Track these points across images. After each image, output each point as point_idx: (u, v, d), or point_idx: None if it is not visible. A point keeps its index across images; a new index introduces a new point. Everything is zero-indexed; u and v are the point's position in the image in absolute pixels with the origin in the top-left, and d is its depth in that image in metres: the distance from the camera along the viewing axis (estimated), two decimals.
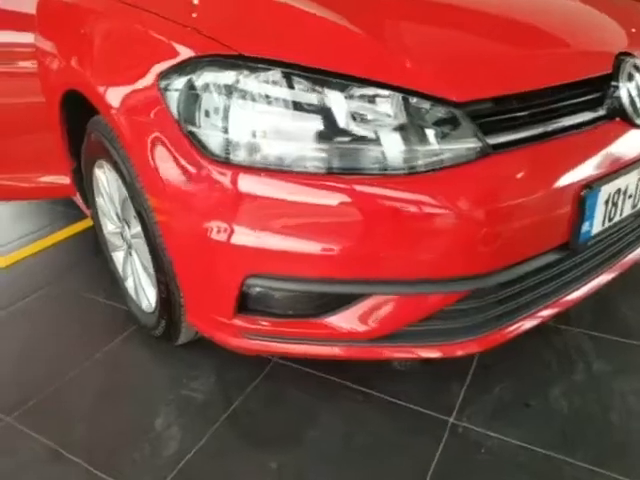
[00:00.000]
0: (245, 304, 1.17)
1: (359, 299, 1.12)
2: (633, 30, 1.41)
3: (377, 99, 1.03)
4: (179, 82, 1.10)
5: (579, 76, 1.18)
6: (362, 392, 1.42)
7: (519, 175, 1.08)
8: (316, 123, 1.02)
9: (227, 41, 1.09)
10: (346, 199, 1.03)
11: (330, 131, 1.02)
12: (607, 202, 1.21)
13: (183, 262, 1.23)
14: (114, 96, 1.24)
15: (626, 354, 1.51)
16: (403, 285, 1.10)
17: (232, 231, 1.08)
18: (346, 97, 1.03)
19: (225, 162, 1.06)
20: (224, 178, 1.06)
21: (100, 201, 1.66)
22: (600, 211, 1.20)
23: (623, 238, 1.40)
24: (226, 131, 1.05)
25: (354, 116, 1.03)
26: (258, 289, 1.14)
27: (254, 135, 1.04)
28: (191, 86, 1.08)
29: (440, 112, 1.04)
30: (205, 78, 1.07)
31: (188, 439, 1.31)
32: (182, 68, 1.10)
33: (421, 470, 1.20)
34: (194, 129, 1.08)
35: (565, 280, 1.28)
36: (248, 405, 1.40)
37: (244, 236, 1.08)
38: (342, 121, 1.02)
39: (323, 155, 1.02)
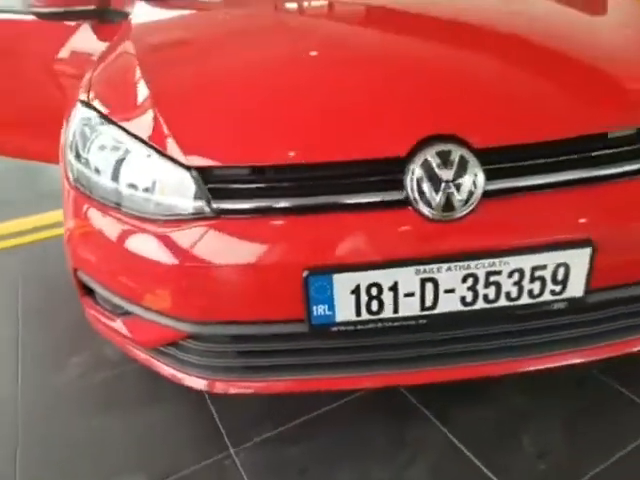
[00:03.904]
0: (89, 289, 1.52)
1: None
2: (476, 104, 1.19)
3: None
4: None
5: (340, 156, 1.13)
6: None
7: (231, 240, 1.15)
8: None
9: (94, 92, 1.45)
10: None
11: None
12: (356, 292, 1.13)
13: None
14: None
15: None
16: (141, 309, 1.30)
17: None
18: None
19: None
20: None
21: None
22: (345, 299, 1.13)
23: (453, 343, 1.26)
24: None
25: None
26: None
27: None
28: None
29: (172, 172, 1.19)
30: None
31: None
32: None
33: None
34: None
35: (325, 362, 1.25)
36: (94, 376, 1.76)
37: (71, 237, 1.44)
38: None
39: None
